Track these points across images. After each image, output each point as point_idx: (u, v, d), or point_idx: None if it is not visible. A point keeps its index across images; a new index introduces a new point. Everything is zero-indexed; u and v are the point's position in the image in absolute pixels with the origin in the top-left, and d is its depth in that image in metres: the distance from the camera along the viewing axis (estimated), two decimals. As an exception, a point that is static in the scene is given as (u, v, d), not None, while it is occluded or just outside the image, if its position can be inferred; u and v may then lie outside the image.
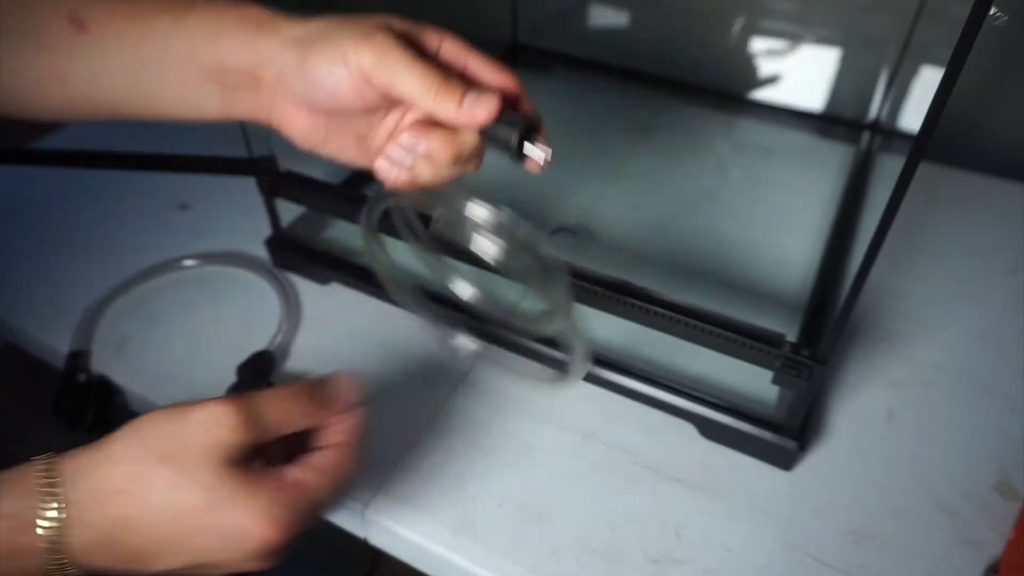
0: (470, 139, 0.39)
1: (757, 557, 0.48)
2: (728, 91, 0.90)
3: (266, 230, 0.67)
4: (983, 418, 0.57)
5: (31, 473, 0.34)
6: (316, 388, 0.40)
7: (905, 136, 0.83)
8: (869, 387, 0.59)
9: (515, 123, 0.37)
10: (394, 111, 0.41)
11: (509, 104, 0.39)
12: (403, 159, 0.40)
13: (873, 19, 0.81)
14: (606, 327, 0.59)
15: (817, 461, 0.54)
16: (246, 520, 0.35)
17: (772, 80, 0.88)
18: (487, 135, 0.38)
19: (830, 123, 0.86)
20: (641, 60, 0.92)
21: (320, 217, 0.70)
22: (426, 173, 0.39)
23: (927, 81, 0.80)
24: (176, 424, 0.35)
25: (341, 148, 0.41)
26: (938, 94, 0.34)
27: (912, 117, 0.82)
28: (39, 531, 0.33)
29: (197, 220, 0.75)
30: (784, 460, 0.53)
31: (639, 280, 0.51)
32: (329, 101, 0.38)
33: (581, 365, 0.41)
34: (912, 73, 0.80)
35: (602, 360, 0.57)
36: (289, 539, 0.36)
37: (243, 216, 0.72)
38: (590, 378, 0.57)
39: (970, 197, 0.79)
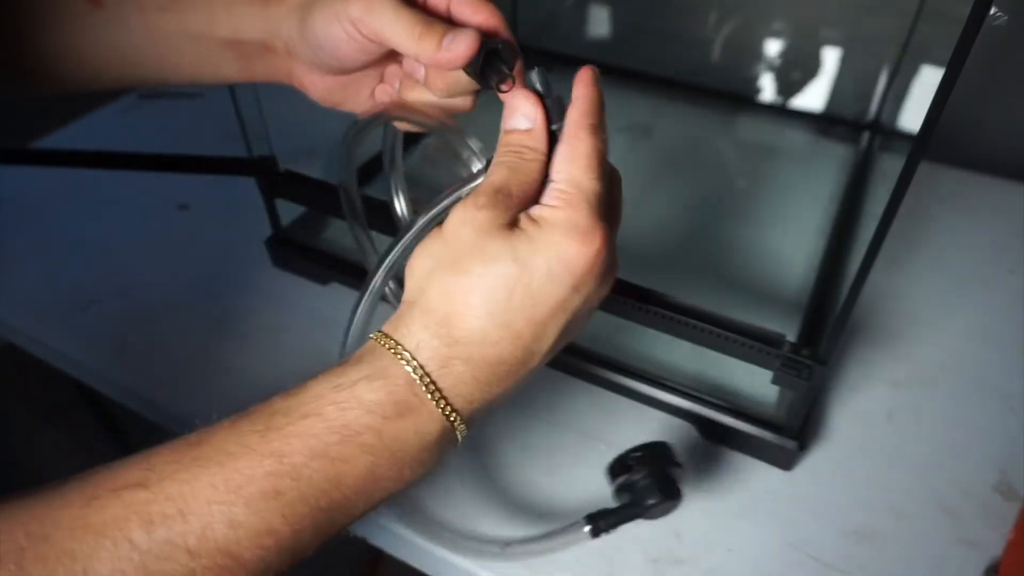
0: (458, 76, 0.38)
1: (757, 557, 0.48)
2: (728, 91, 0.90)
3: (266, 230, 0.67)
4: (983, 418, 0.57)
5: (370, 346, 0.33)
6: (514, 128, 0.36)
7: (905, 136, 0.83)
8: (869, 387, 0.59)
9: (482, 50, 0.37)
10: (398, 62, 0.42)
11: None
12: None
13: (873, 19, 0.81)
14: (606, 327, 0.59)
15: (817, 461, 0.54)
16: (567, 249, 0.32)
17: (772, 80, 0.88)
18: (466, 70, 0.38)
19: (830, 123, 0.86)
20: (641, 60, 0.92)
21: (320, 217, 0.70)
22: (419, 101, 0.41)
23: (927, 81, 0.80)
24: (435, 241, 0.33)
25: (358, 103, 0.43)
26: (938, 94, 0.34)
27: (912, 117, 0.82)
28: (419, 383, 0.31)
29: (197, 220, 0.75)
30: (784, 460, 0.53)
31: (640, 280, 0.51)
32: (334, 60, 0.40)
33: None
34: (912, 73, 0.80)
35: (602, 360, 0.57)
36: (610, 238, 0.33)
37: (243, 216, 0.72)
38: (590, 378, 0.57)
39: (970, 197, 0.79)
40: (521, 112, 0.35)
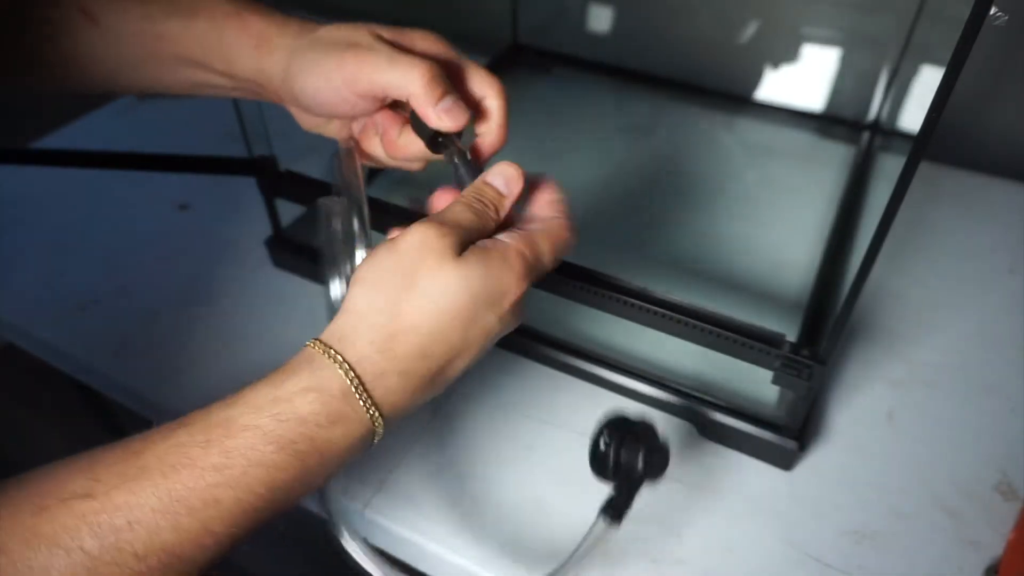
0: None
1: (757, 557, 0.48)
2: (728, 91, 0.90)
3: (266, 230, 0.67)
4: (983, 418, 0.57)
5: (308, 354, 0.34)
6: (492, 184, 0.39)
7: (905, 136, 0.83)
8: (869, 387, 0.59)
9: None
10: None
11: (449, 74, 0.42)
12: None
13: (873, 19, 0.81)
14: (606, 327, 0.59)
15: (817, 461, 0.54)
16: (510, 288, 0.36)
17: (772, 80, 0.88)
18: (414, 120, 0.41)
19: (830, 123, 0.86)
20: (641, 60, 0.92)
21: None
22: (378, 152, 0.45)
23: (927, 81, 0.80)
24: (394, 256, 0.35)
25: (342, 133, 0.46)
26: (938, 94, 0.34)
27: (912, 117, 0.82)
28: (355, 392, 0.33)
29: (197, 220, 0.75)
30: (784, 460, 0.53)
31: (639, 280, 0.51)
32: (323, 112, 0.43)
33: None
34: (912, 73, 0.80)
35: (602, 360, 0.57)
36: (530, 286, 0.37)
37: (243, 216, 0.72)
38: (590, 378, 0.58)
39: (970, 197, 0.79)
40: (506, 178, 0.39)
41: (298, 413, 0.32)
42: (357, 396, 0.33)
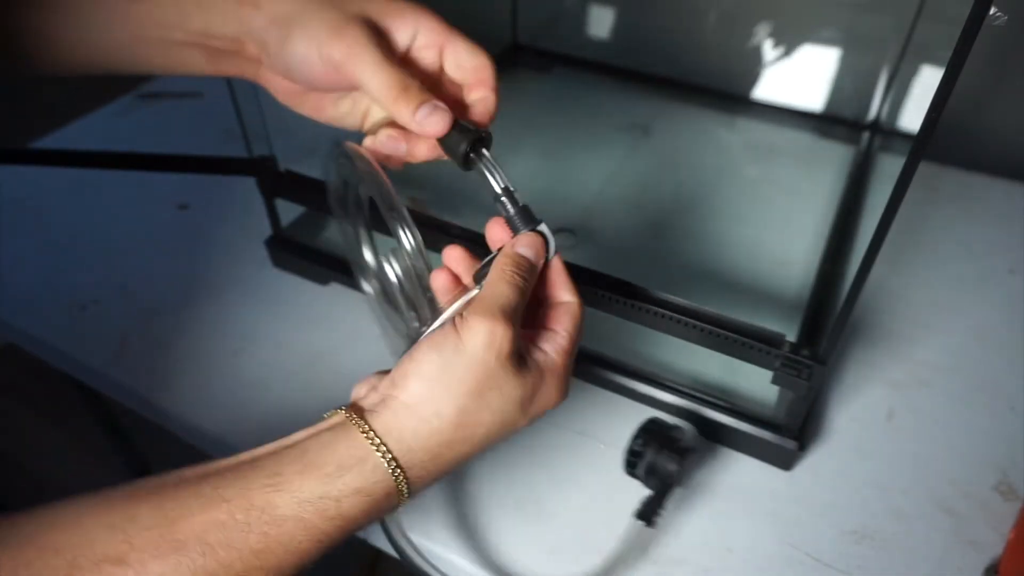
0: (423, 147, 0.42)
1: (757, 557, 0.48)
2: (728, 91, 0.90)
3: (266, 230, 0.67)
4: (983, 418, 0.57)
5: (359, 446, 0.34)
6: (526, 256, 0.39)
7: (905, 136, 0.83)
8: (869, 387, 0.59)
9: (466, 134, 0.39)
10: None
11: (481, 86, 0.41)
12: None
13: (873, 19, 0.81)
14: (606, 327, 0.59)
15: (817, 461, 0.54)
16: (549, 400, 0.38)
17: (772, 80, 0.88)
18: (440, 140, 0.40)
19: (830, 123, 0.86)
20: (641, 60, 0.92)
21: (320, 217, 0.70)
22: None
23: (927, 81, 0.80)
24: (459, 357, 0.34)
25: (317, 109, 0.44)
26: (938, 94, 0.34)
27: (912, 117, 0.82)
28: (398, 490, 0.34)
29: (197, 220, 0.75)
30: (784, 460, 0.53)
31: (639, 280, 0.51)
32: (305, 81, 0.41)
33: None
34: (912, 73, 0.80)
35: (602, 360, 0.57)
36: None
37: (243, 216, 0.72)
38: (590, 378, 0.57)
39: (970, 197, 0.79)
40: (534, 249, 0.39)
41: (344, 513, 0.33)
42: (399, 492, 0.34)
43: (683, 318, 0.49)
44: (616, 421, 0.56)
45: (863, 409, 0.57)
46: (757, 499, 0.51)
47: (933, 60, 0.78)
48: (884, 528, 0.50)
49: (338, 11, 0.39)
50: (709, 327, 0.49)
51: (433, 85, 0.42)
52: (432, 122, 0.38)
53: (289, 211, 0.67)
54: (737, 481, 0.53)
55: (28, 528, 0.30)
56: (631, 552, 0.46)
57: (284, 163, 0.63)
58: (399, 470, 0.34)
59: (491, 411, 0.35)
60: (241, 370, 0.60)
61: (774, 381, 0.49)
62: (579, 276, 0.51)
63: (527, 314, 0.38)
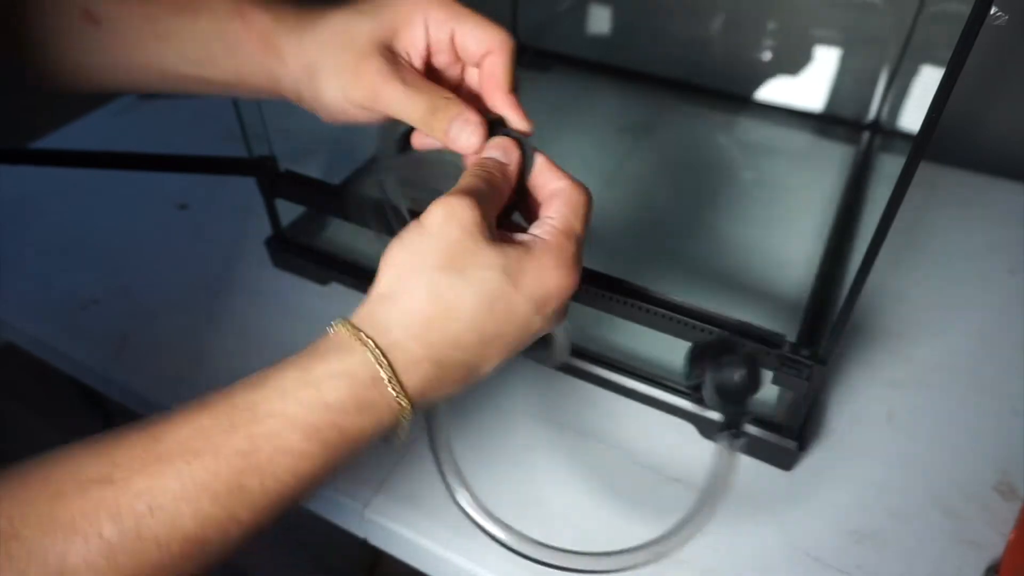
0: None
1: (757, 557, 0.48)
2: (728, 91, 0.90)
3: (266, 230, 0.67)
4: (983, 418, 0.57)
5: (337, 337, 0.33)
6: (490, 155, 0.39)
7: (905, 136, 0.83)
8: (869, 387, 0.59)
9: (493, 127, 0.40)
10: None
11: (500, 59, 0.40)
12: None
13: (873, 19, 0.81)
14: (606, 327, 0.59)
15: (817, 461, 0.54)
16: (550, 279, 0.35)
17: (772, 80, 0.88)
18: None
19: (830, 123, 0.86)
20: (641, 60, 0.92)
21: (320, 217, 0.70)
22: None
23: (927, 81, 0.80)
24: (421, 237, 0.33)
25: (353, 119, 0.44)
26: (938, 94, 0.34)
27: (912, 117, 0.82)
28: (385, 380, 0.32)
29: (197, 220, 0.75)
30: (784, 460, 0.53)
31: (639, 280, 0.51)
32: (344, 120, 0.42)
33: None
34: (912, 73, 0.80)
35: (602, 360, 0.57)
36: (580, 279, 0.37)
37: (243, 216, 0.72)
38: (590, 378, 0.58)
39: (970, 197, 0.79)
40: (499, 148, 0.39)
41: (325, 400, 0.31)
42: (388, 384, 0.32)
43: (683, 318, 0.49)
44: (616, 421, 0.56)
45: (863, 409, 0.57)
46: (757, 499, 0.51)
47: (933, 60, 0.78)
48: (884, 528, 0.50)
49: (352, 51, 0.39)
50: (709, 327, 0.49)
51: (458, 81, 0.42)
52: (465, 137, 0.39)
53: (289, 211, 0.67)
54: (737, 481, 0.53)
55: (22, 468, 0.29)
56: (725, 473, 0.43)
57: (284, 163, 0.63)
58: (378, 350, 0.32)
59: (469, 282, 0.33)
60: (241, 370, 0.60)
61: (774, 381, 0.49)
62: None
63: (523, 228, 0.38)
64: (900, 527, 0.50)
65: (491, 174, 0.37)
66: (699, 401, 0.45)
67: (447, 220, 0.33)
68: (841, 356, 0.61)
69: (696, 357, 0.46)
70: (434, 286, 0.33)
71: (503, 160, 0.38)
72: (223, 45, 0.41)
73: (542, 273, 0.34)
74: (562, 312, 0.37)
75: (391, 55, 0.39)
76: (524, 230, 0.37)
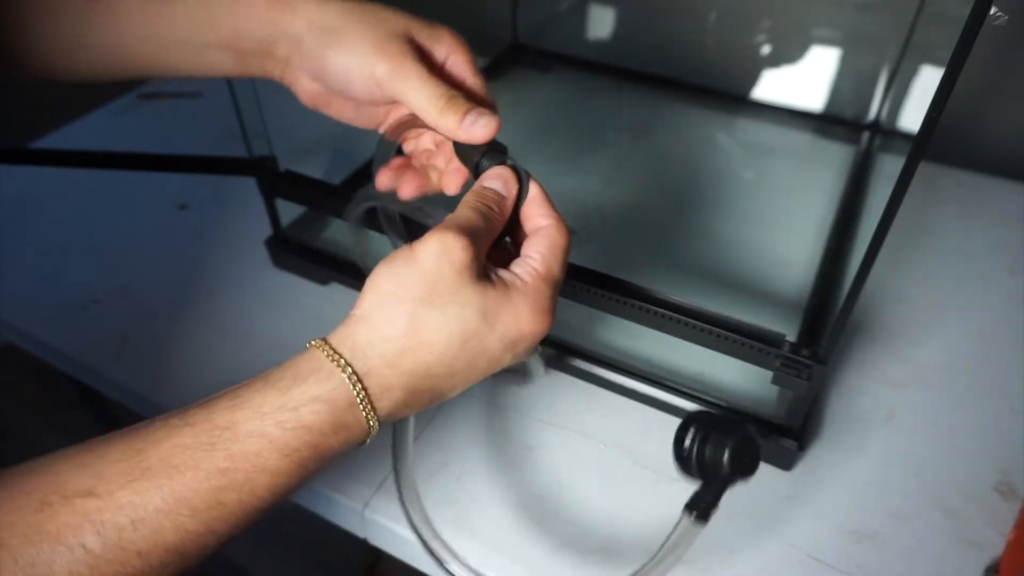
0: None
1: (757, 557, 0.48)
2: (728, 91, 0.90)
3: (266, 230, 0.67)
4: (983, 418, 0.57)
5: (316, 359, 0.34)
6: (491, 187, 0.40)
7: (905, 136, 0.83)
8: (869, 387, 0.59)
9: (482, 147, 0.40)
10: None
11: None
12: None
13: (873, 19, 0.81)
14: (606, 327, 0.59)
15: (817, 461, 0.54)
16: (524, 324, 0.36)
17: (772, 80, 0.88)
18: (459, 149, 0.41)
19: (830, 123, 0.86)
20: (641, 60, 0.92)
21: (320, 217, 0.70)
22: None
23: (927, 81, 0.80)
24: (409, 267, 0.34)
25: (340, 112, 0.45)
26: (938, 94, 0.34)
27: (912, 117, 0.82)
28: (360, 404, 0.34)
29: (197, 220, 0.75)
30: (784, 460, 0.53)
31: (639, 280, 0.51)
32: (340, 91, 0.42)
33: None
34: (912, 73, 0.80)
35: (602, 360, 0.57)
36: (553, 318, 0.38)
37: (243, 216, 0.72)
38: (590, 378, 0.58)
39: (970, 197, 0.79)
40: (501, 179, 0.39)
41: (304, 422, 0.33)
42: (362, 408, 0.34)
43: (683, 318, 0.49)
44: (616, 421, 0.56)
45: (863, 409, 0.57)
46: (757, 499, 0.51)
47: (933, 60, 0.78)
48: (884, 528, 0.50)
49: (383, 27, 0.40)
50: (709, 327, 0.49)
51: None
52: (479, 127, 0.39)
53: (289, 211, 0.67)
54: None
55: (5, 477, 0.30)
56: (677, 547, 0.43)
57: (284, 163, 0.63)
58: (355, 376, 0.33)
59: (446, 319, 0.34)
60: (241, 370, 0.60)
61: (774, 381, 0.49)
62: (579, 276, 0.51)
63: (509, 251, 0.39)
64: (900, 527, 0.50)
65: (489, 208, 0.38)
66: (684, 467, 0.44)
67: (440, 257, 0.34)
68: (841, 356, 0.61)
69: (699, 421, 0.44)
70: (414, 318, 0.34)
71: (502, 193, 0.39)
72: (226, 4, 0.41)
73: (518, 317, 0.36)
74: (532, 348, 0.38)
75: (417, 46, 0.41)
76: (510, 254, 0.39)
